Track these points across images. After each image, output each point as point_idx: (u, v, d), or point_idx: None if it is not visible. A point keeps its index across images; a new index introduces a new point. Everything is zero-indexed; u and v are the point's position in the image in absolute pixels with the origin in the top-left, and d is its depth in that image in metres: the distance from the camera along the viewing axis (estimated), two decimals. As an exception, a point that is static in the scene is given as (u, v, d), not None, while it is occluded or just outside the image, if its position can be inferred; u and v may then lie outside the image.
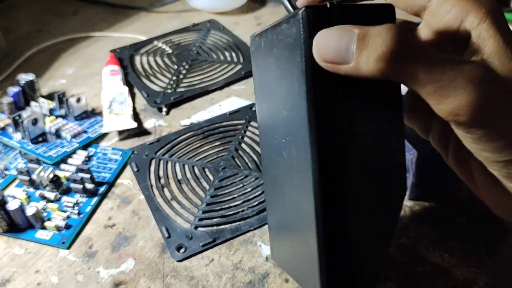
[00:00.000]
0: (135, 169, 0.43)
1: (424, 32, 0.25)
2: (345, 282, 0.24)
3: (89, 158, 0.44)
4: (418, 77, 0.19)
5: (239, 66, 0.56)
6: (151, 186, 0.41)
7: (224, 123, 0.48)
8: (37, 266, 0.35)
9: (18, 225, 0.38)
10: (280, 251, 0.30)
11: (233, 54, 0.58)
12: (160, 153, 0.45)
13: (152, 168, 0.43)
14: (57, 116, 0.48)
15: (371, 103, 0.23)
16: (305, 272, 0.26)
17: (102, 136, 0.47)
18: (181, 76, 0.55)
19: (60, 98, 0.49)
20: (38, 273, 0.35)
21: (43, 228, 0.38)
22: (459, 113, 0.20)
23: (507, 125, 0.21)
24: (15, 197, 0.40)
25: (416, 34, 0.22)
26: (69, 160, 0.44)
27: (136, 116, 0.49)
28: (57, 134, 0.46)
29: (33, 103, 0.49)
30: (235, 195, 0.40)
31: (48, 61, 0.59)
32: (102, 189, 0.41)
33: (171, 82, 0.54)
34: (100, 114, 0.50)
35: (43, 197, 0.40)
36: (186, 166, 0.43)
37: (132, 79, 0.55)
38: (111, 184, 0.42)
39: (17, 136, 0.46)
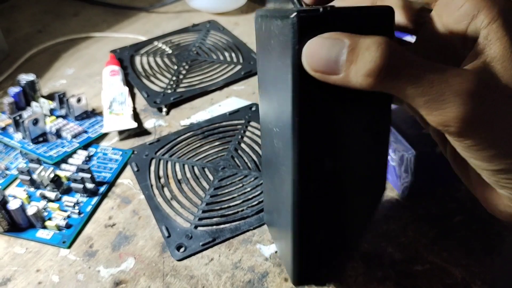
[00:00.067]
0: (135, 169, 0.43)
1: (434, 24, 0.24)
2: (314, 264, 0.27)
3: (89, 158, 0.44)
4: (407, 91, 0.20)
5: (239, 67, 0.56)
6: (151, 185, 0.41)
7: (224, 123, 0.48)
8: (38, 265, 0.36)
9: (19, 225, 0.38)
10: (271, 229, 0.33)
11: (233, 55, 0.59)
12: (160, 153, 0.45)
13: (152, 168, 0.43)
14: (57, 116, 0.49)
15: (358, 106, 0.23)
16: (286, 257, 0.28)
17: (103, 136, 0.47)
18: (181, 77, 0.55)
19: (61, 98, 0.49)
20: (39, 272, 0.35)
21: (44, 227, 0.38)
22: (449, 125, 0.20)
23: (498, 136, 0.21)
24: (16, 196, 0.40)
25: (404, 47, 0.21)
26: (70, 160, 0.44)
27: (136, 116, 0.50)
28: (58, 134, 0.46)
29: (33, 103, 0.49)
30: (235, 195, 0.40)
31: (49, 61, 0.59)
32: (102, 189, 0.41)
33: (171, 83, 0.54)
34: (100, 114, 0.50)
35: (43, 197, 0.40)
36: (186, 166, 0.43)
37: (132, 79, 0.55)
38: (111, 184, 0.42)
39: (18, 136, 0.46)
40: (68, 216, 0.39)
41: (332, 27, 0.20)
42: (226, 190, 0.41)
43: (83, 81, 0.56)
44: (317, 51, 0.20)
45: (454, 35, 0.23)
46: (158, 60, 0.58)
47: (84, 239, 0.37)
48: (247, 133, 0.47)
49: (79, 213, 0.39)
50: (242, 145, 0.45)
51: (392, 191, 0.39)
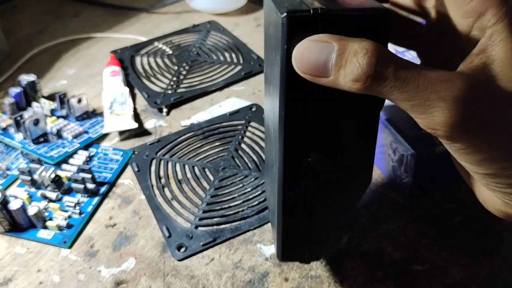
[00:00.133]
0: (136, 169, 0.43)
1: (441, 13, 0.24)
2: (298, 246, 0.29)
3: (90, 158, 0.45)
4: (393, 95, 0.20)
5: (239, 67, 0.56)
6: (152, 186, 0.41)
7: (224, 124, 0.48)
8: (39, 265, 0.36)
9: (20, 225, 0.38)
10: (272, 224, 0.34)
11: (233, 55, 0.59)
12: (161, 153, 0.45)
13: (153, 168, 0.43)
14: (58, 117, 0.49)
15: (347, 103, 0.23)
16: (275, 238, 0.30)
17: (103, 136, 0.47)
18: (181, 77, 0.55)
19: (61, 98, 0.49)
20: (40, 272, 0.35)
21: (45, 227, 0.38)
22: (436, 128, 0.20)
23: (487, 141, 0.20)
24: (17, 197, 0.40)
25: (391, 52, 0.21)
26: (71, 160, 0.44)
27: (136, 117, 0.50)
28: (59, 135, 0.46)
29: (34, 104, 0.49)
30: (235, 195, 0.40)
31: (49, 62, 0.59)
32: (103, 189, 0.41)
33: (172, 83, 0.54)
34: (101, 114, 0.50)
35: (44, 197, 0.40)
36: (186, 166, 0.43)
37: (132, 79, 0.55)
38: (112, 184, 0.42)
39: (19, 136, 0.46)
40: (69, 216, 0.39)
41: (323, 29, 0.21)
42: (227, 190, 0.41)
43: (83, 82, 0.56)
44: (307, 55, 0.21)
45: (459, 30, 0.23)
46: (159, 60, 0.58)
47: (85, 239, 0.37)
48: (247, 134, 0.47)
49: (80, 213, 0.39)
50: (243, 145, 0.45)
51: (392, 191, 0.39)
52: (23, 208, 0.37)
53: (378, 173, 0.41)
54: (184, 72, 0.56)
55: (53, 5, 0.72)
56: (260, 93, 0.52)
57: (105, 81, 0.53)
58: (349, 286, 0.33)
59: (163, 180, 0.42)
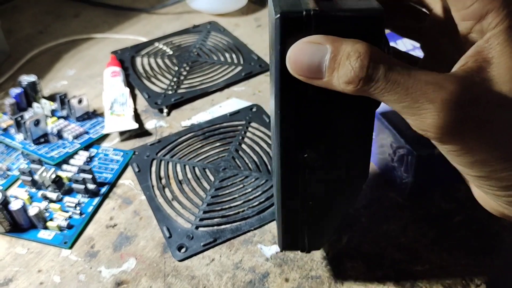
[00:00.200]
0: (136, 170, 0.43)
1: (442, 13, 0.24)
2: (297, 237, 0.30)
3: (90, 159, 0.45)
4: (384, 97, 0.21)
5: (239, 68, 0.56)
6: (152, 186, 0.42)
7: (225, 124, 0.48)
8: (39, 266, 0.36)
9: (21, 225, 0.38)
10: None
11: (233, 56, 0.59)
12: (161, 153, 0.45)
13: (153, 168, 0.43)
14: (59, 117, 0.49)
15: (342, 101, 0.23)
16: (277, 230, 0.31)
17: (104, 137, 0.47)
18: (181, 78, 0.55)
19: (62, 99, 0.49)
20: (40, 272, 0.35)
21: (45, 228, 0.38)
22: (426, 130, 0.21)
23: (477, 144, 0.21)
24: (17, 197, 0.40)
25: (384, 53, 0.21)
26: (71, 161, 0.44)
27: (137, 117, 0.50)
28: (59, 135, 0.46)
29: (35, 104, 0.49)
30: (236, 196, 0.40)
31: (50, 62, 0.60)
32: (103, 190, 0.41)
33: (172, 84, 0.54)
34: (101, 115, 0.50)
35: (45, 198, 0.40)
36: (187, 167, 0.43)
37: (133, 80, 0.55)
38: (112, 185, 0.42)
39: (19, 137, 0.46)
40: (70, 217, 0.39)
41: (316, 30, 0.21)
42: (227, 191, 0.41)
43: (84, 82, 0.56)
44: (300, 57, 0.21)
45: (460, 30, 0.23)
46: (159, 61, 0.58)
47: (86, 239, 0.37)
48: (248, 134, 0.47)
49: (81, 214, 0.39)
50: (243, 146, 0.45)
51: (392, 191, 0.39)
52: (23, 209, 0.37)
53: (378, 173, 0.41)
54: (184, 73, 0.56)
55: (54, 6, 0.72)
56: (261, 94, 0.52)
57: (105, 81, 0.53)
58: (349, 287, 0.33)
59: (163, 181, 0.42)
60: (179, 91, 0.53)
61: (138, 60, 0.59)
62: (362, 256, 0.35)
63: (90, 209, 0.40)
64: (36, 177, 0.41)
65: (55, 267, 0.35)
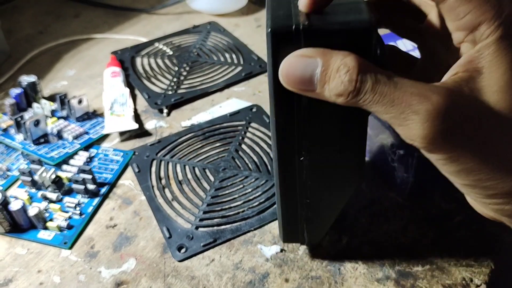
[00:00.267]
0: (136, 170, 0.43)
1: (436, 22, 0.25)
2: (296, 230, 0.32)
3: (90, 159, 0.45)
4: (372, 108, 0.21)
5: (239, 68, 0.56)
6: (152, 186, 0.42)
7: (225, 124, 0.48)
8: (39, 266, 0.36)
9: (21, 226, 0.38)
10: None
11: (233, 56, 0.59)
12: (161, 154, 0.45)
13: (153, 169, 0.43)
14: (58, 118, 0.49)
15: (335, 108, 0.23)
16: (279, 224, 0.33)
17: (104, 137, 0.47)
18: (181, 78, 0.55)
19: (62, 99, 0.49)
20: (40, 273, 0.35)
21: (45, 228, 0.38)
22: (413, 139, 0.21)
23: (463, 152, 0.21)
24: (17, 197, 0.40)
25: (372, 65, 0.22)
26: (71, 161, 0.44)
27: (137, 118, 0.50)
28: (59, 135, 0.46)
29: (35, 105, 0.49)
30: (236, 196, 0.40)
31: (50, 62, 0.60)
32: (103, 190, 0.41)
33: (172, 84, 0.54)
34: (101, 115, 0.50)
35: (45, 198, 0.40)
36: (186, 167, 0.43)
37: (133, 80, 0.55)
38: (112, 185, 0.42)
39: (19, 137, 0.46)
40: (70, 217, 0.39)
41: (306, 43, 0.22)
42: (227, 191, 0.41)
43: (84, 83, 0.56)
44: (292, 71, 0.22)
45: (453, 39, 0.23)
46: (159, 61, 0.58)
47: (85, 240, 0.37)
48: (248, 134, 0.47)
49: (80, 214, 0.39)
50: (243, 146, 0.45)
51: (392, 191, 0.39)
52: (23, 209, 0.37)
53: (378, 174, 0.41)
54: (184, 73, 0.56)
55: (54, 6, 0.72)
56: (261, 94, 0.52)
57: (105, 82, 0.53)
58: (349, 286, 0.33)
59: (163, 181, 0.42)
60: (179, 91, 0.53)
61: (138, 61, 0.59)
62: (362, 257, 0.35)
63: (90, 209, 0.40)
64: (36, 177, 0.41)
65: (55, 268, 0.35)
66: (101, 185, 0.42)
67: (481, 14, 0.21)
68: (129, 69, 0.57)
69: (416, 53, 0.30)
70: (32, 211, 0.37)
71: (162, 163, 0.44)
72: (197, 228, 0.38)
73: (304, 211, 0.30)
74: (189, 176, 0.42)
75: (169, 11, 0.70)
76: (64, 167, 0.43)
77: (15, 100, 0.49)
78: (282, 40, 0.22)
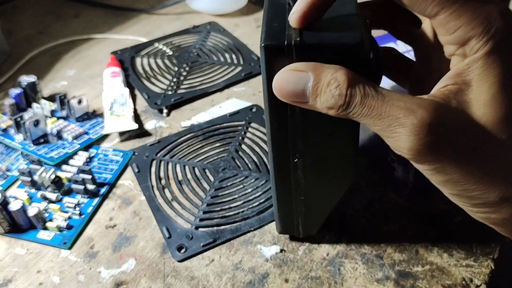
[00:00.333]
0: (136, 170, 0.43)
1: (429, 37, 0.26)
2: (292, 223, 0.34)
3: (90, 159, 0.45)
4: (362, 120, 0.22)
5: (239, 68, 0.56)
6: (152, 187, 0.41)
7: (224, 124, 0.48)
8: (38, 266, 0.36)
9: (20, 226, 0.38)
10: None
11: (233, 56, 0.59)
12: (161, 154, 0.45)
13: (153, 169, 0.43)
14: (58, 118, 0.49)
15: (327, 115, 0.24)
16: (276, 218, 0.35)
17: (103, 137, 0.47)
18: (181, 78, 0.55)
19: (62, 99, 0.49)
20: (39, 273, 0.35)
21: (45, 228, 0.38)
22: (401, 151, 0.22)
23: (449, 164, 0.22)
24: (17, 198, 0.40)
25: (362, 81, 0.23)
26: (71, 161, 0.44)
27: (137, 118, 0.50)
28: (59, 136, 0.46)
29: (34, 105, 0.49)
30: (235, 196, 0.40)
31: (50, 63, 0.60)
32: (103, 190, 0.41)
33: (172, 84, 0.54)
34: (101, 115, 0.50)
35: (44, 198, 0.40)
36: (186, 167, 0.43)
37: (133, 80, 0.55)
38: (112, 185, 0.42)
39: (19, 137, 0.46)
40: (69, 217, 0.39)
41: (298, 58, 0.23)
42: (227, 191, 0.41)
43: (84, 83, 0.56)
44: (285, 85, 0.23)
45: (444, 50, 0.24)
46: (159, 61, 0.58)
47: (85, 240, 0.37)
48: (248, 134, 0.47)
49: (80, 214, 0.39)
50: (243, 146, 0.45)
51: (392, 192, 0.39)
52: (23, 209, 0.37)
53: (378, 174, 0.41)
54: (184, 73, 0.56)
55: (54, 6, 0.72)
56: (260, 94, 0.52)
57: (105, 82, 0.53)
58: (349, 286, 0.33)
59: (163, 181, 0.42)
60: (179, 91, 0.53)
61: (138, 61, 0.59)
62: (362, 257, 0.35)
63: (90, 209, 0.40)
64: (36, 177, 0.41)
65: (55, 268, 0.35)
66: (100, 185, 0.42)
67: (471, 30, 0.21)
68: (129, 69, 0.57)
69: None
70: (31, 211, 0.37)
71: (162, 163, 0.44)
72: (196, 228, 0.38)
73: (299, 206, 0.32)
74: (189, 176, 0.42)
75: (169, 11, 0.70)
76: (64, 167, 0.43)
77: (15, 100, 0.49)
78: (275, 54, 0.23)
